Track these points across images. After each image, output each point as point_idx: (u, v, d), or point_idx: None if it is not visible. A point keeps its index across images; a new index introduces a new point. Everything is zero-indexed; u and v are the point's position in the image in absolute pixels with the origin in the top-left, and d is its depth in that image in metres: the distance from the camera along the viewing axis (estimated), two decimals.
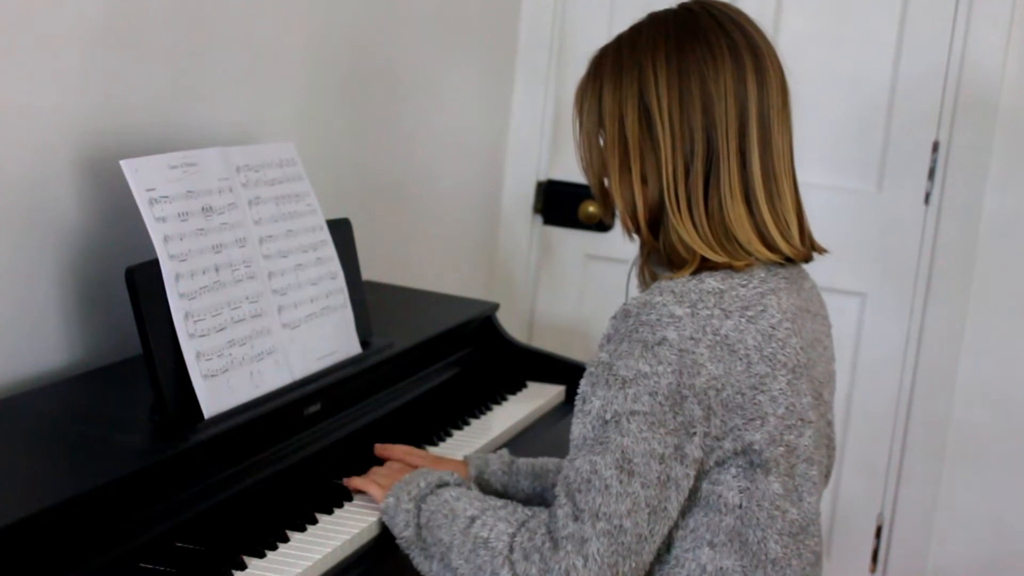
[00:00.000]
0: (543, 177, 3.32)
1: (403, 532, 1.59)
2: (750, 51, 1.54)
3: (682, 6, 1.59)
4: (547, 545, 1.45)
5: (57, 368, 1.79)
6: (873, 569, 3.20)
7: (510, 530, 1.50)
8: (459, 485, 1.63)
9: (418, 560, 1.58)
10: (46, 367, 1.78)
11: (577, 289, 3.35)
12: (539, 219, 3.35)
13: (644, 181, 1.54)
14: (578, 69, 3.43)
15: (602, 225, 3.28)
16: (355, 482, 1.72)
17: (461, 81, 3.00)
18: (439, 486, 1.62)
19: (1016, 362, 3.03)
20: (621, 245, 3.27)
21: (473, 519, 1.53)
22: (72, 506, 1.38)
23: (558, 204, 3.32)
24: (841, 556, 3.22)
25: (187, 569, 1.46)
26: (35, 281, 1.75)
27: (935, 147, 3.03)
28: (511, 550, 1.48)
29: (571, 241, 3.34)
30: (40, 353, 1.77)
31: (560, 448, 2.27)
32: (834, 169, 3.08)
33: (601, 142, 1.57)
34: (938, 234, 3.04)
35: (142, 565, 1.46)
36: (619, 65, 1.56)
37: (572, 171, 3.30)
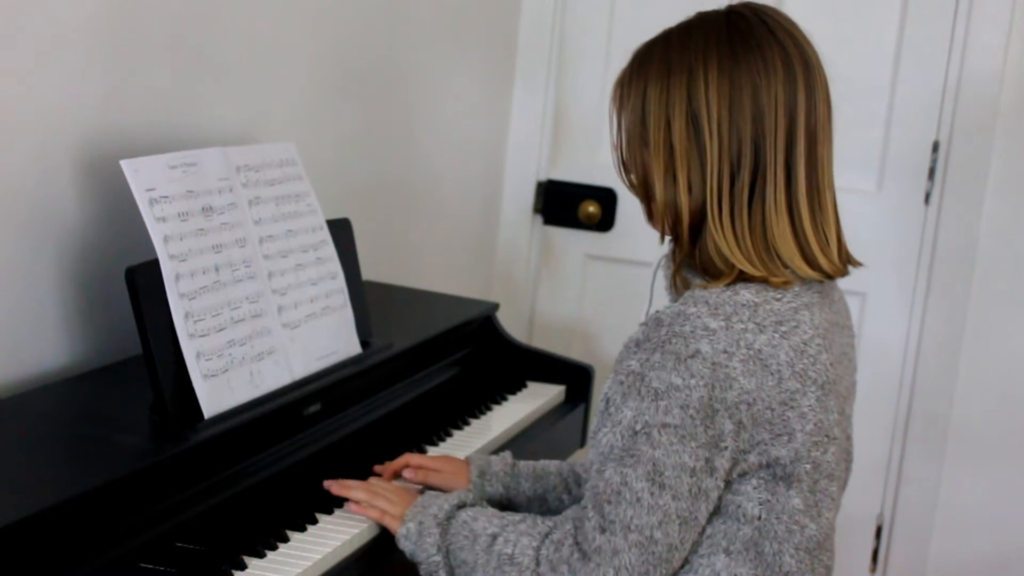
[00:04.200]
0: (543, 177, 3.32)
1: (433, 556, 1.57)
2: (802, 63, 1.51)
3: (733, 10, 1.55)
4: (576, 556, 1.44)
5: (57, 368, 1.79)
6: (873, 569, 3.20)
7: (534, 543, 1.49)
8: (473, 505, 1.63)
9: None
10: (46, 367, 1.78)
11: (577, 289, 3.35)
12: (539, 219, 3.34)
13: (689, 189, 1.50)
14: (578, 70, 3.41)
15: (602, 225, 3.28)
16: (369, 513, 1.65)
17: (461, 81, 3.00)
18: (459, 507, 1.61)
19: (1016, 362, 3.03)
20: (621, 245, 3.30)
21: (495, 537, 1.53)
22: (72, 506, 1.38)
23: (558, 204, 3.31)
24: (841, 556, 3.20)
25: (187, 569, 1.46)
26: (35, 281, 1.75)
27: (935, 147, 3.03)
28: (538, 563, 1.47)
29: (571, 241, 3.34)
30: (40, 353, 1.77)
31: (560, 447, 2.28)
32: (834, 169, 3.08)
33: (643, 143, 1.53)
34: (938, 234, 3.04)
35: (142, 565, 1.46)
36: (667, 66, 1.51)
37: (572, 171, 3.31)
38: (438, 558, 1.57)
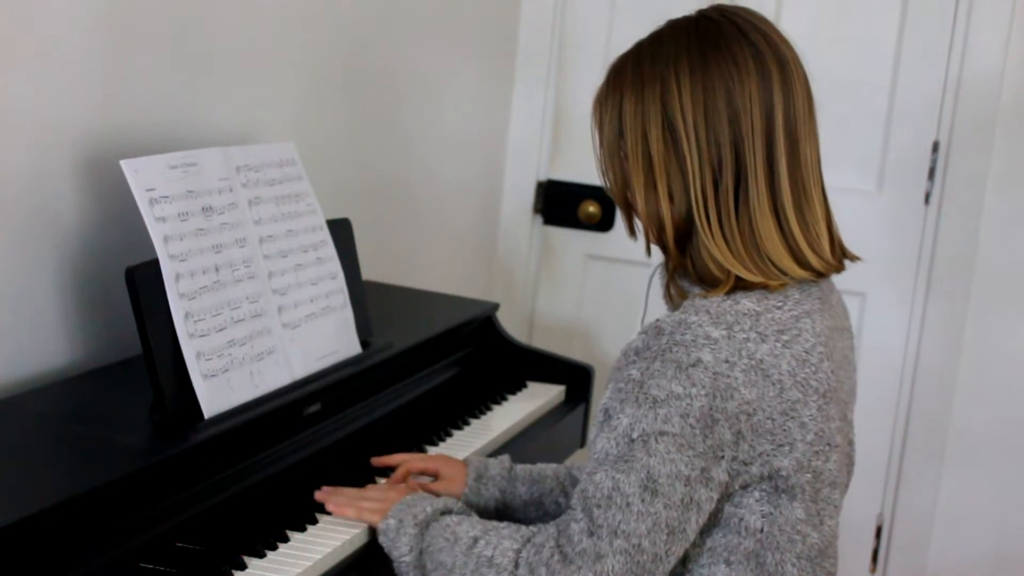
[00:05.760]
0: (543, 177, 3.32)
1: (404, 556, 1.56)
2: (776, 60, 1.49)
3: (702, 14, 1.54)
4: (556, 558, 1.43)
5: (57, 368, 1.79)
6: (873, 569, 3.20)
7: (515, 546, 1.48)
8: (460, 513, 1.61)
9: None
10: (46, 367, 1.78)
11: (577, 289, 3.35)
12: (539, 219, 3.35)
13: (671, 198, 1.49)
14: (578, 70, 3.41)
15: (602, 225, 3.28)
16: (346, 512, 1.65)
17: (461, 81, 3.00)
18: (443, 512, 1.60)
19: (1016, 362, 3.03)
20: (621, 245, 3.30)
21: (476, 540, 1.51)
22: (72, 506, 1.38)
23: (558, 204, 3.32)
24: (841, 556, 3.20)
25: (187, 569, 1.46)
26: (35, 281, 1.75)
27: (935, 147, 3.03)
28: (516, 565, 1.46)
29: (571, 241, 3.34)
30: (40, 353, 1.77)
31: (560, 448, 2.28)
32: (834, 169, 3.07)
33: (623, 156, 1.52)
34: (938, 234, 3.04)
35: (142, 565, 1.46)
36: (640, 77, 1.50)
37: (572, 171, 3.31)
38: (408, 558, 1.55)
